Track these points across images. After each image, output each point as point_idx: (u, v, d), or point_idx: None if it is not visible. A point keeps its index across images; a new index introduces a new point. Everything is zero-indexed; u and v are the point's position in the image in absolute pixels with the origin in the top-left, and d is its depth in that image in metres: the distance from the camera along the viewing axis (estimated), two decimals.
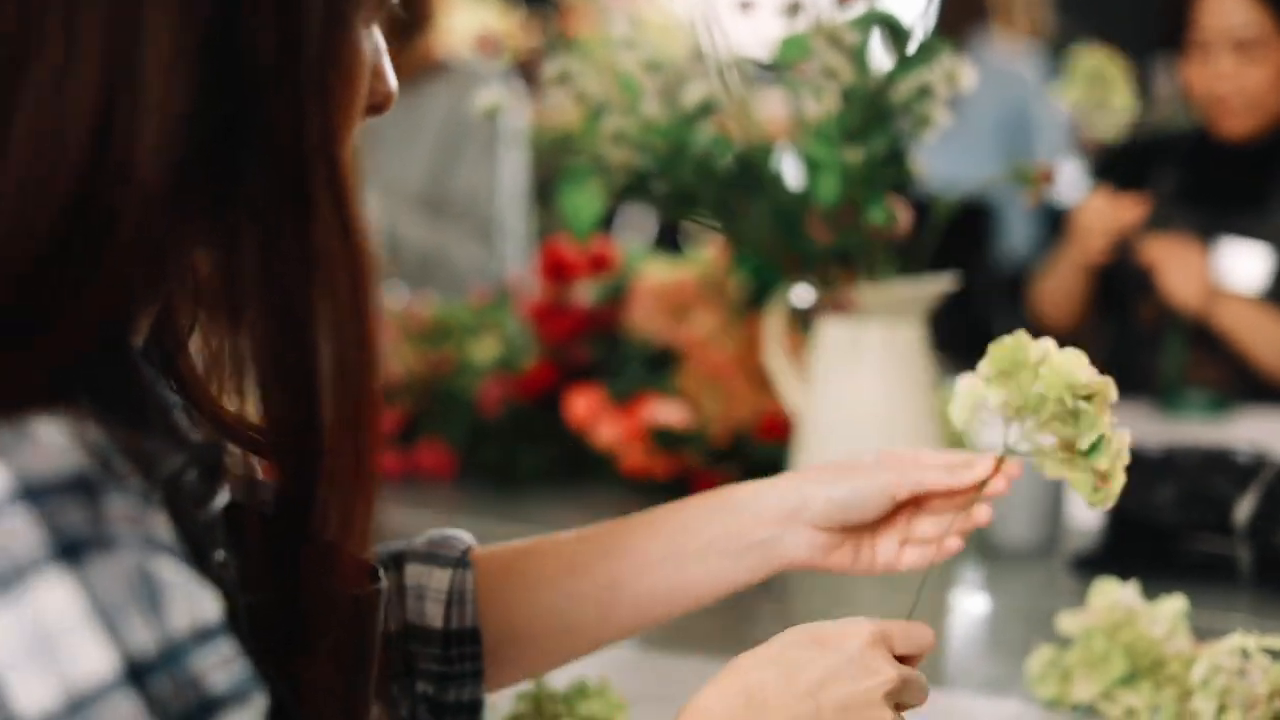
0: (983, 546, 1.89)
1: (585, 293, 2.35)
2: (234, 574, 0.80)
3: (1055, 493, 1.86)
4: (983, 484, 1.12)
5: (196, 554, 0.73)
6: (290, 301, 0.80)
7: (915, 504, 1.15)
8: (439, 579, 1.12)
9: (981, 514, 1.15)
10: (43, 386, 0.70)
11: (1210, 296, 2.51)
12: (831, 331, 1.85)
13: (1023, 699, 1.44)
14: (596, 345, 2.27)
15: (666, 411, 2.11)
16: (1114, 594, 1.42)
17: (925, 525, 1.15)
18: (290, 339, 0.81)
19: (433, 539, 1.16)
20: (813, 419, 1.87)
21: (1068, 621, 1.43)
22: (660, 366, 2.20)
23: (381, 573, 0.97)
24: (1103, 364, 2.71)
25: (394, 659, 1.12)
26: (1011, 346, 1.07)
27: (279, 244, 0.79)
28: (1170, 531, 1.75)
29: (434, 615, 1.12)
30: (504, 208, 3.08)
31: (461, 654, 1.13)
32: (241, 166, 0.78)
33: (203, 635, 0.70)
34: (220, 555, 0.78)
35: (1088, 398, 1.03)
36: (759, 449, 2.04)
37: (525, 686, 1.30)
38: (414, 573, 1.13)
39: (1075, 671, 1.41)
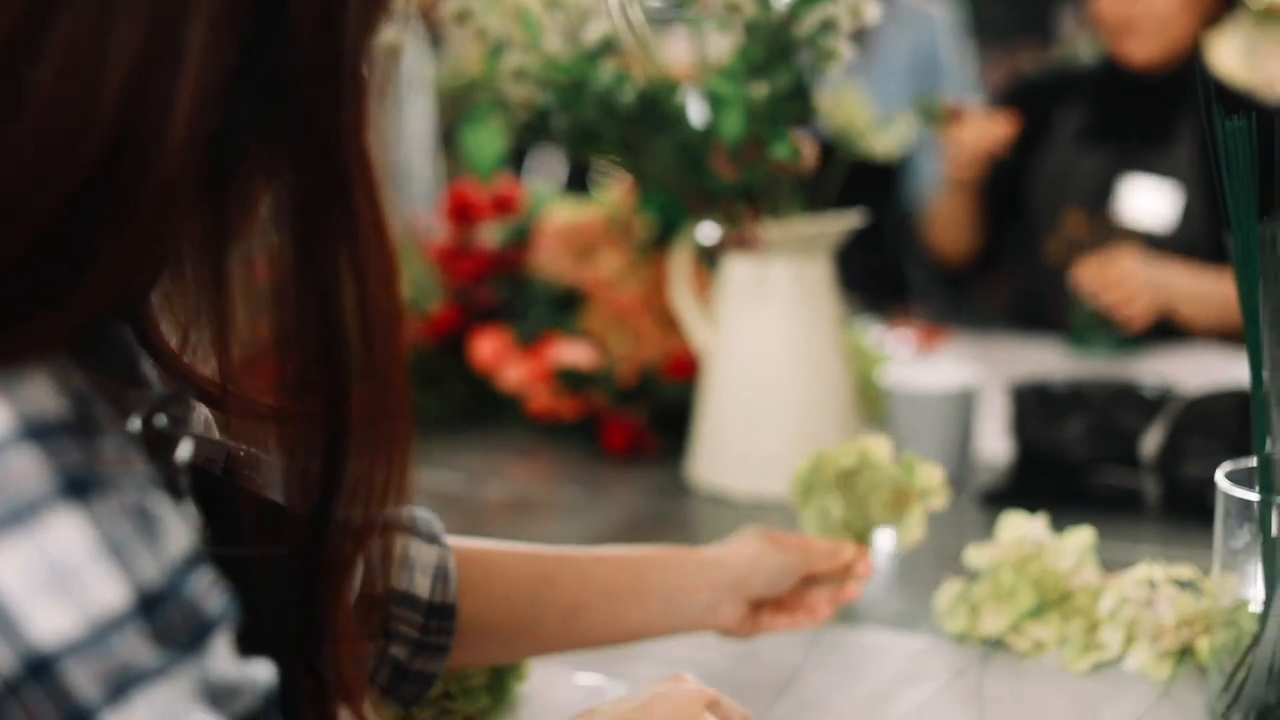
0: None
1: (490, 235, 2.32)
2: (201, 522, 0.79)
3: (963, 429, 1.86)
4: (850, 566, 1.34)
5: (170, 494, 0.74)
6: (321, 268, 0.79)
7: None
8: (426, 553, 1.15)
9: (854, 591, 1.35)
10: (59, 342, 0.70)
11: (1166, 300, 2.45)
12: (737, 269, 1.83)
13: (932, 634, 1.44)
14: (502, 287, 2.24)
15: (573, 352, 2.09)
16: (1021, 527, 1.41)
17: (808, 597, 1.34)
18: (321, 304, 0.79)
19: (410, 514, 1.18)
20: (719, 357, 1.86)
21: (975, 555, 1.42)
22: (566, 308, 2.18)
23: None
24: (1013, 303, 2.70)
25: (376, 620, 1.13)
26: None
27: (314, 211, 0.78)
28: (1078, 465, 1.75)
29: (422, 585, 1.15)
30: (409, 154, 3.04)
31: (439, 627, 1.16)
32: (273, 135, 0.77)
33: (192, 562, 0.71)
34: (186, 506, 0.77)
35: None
36: (666, 388, 2.02)
37: None
38: (400, 541, 1.15)
39: (983, 605, 1.40)
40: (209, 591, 0.72)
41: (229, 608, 0.73)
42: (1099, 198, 2.71)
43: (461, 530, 1.77)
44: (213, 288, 0.80)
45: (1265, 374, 1.20)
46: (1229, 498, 1.23)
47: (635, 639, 1.28)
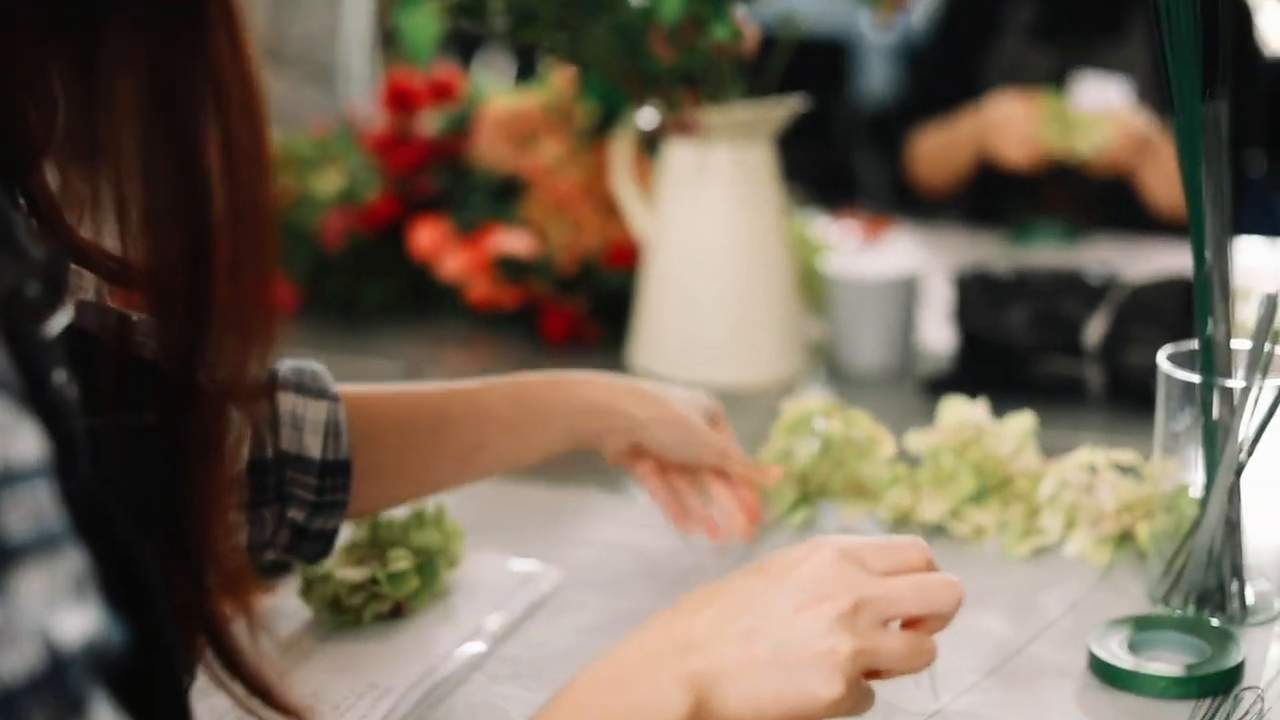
0: (835, 371, 1.87)
1: (429, 123, 2.28)
2: (75, 397, 0.71)
3: (905, 317, 1.84)
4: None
5: (31, 375, 0.65)
6: (180, 124, 0.74)
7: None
8: (315, 410, 1.13)
9: (739, 524, 1.33)
10: None
11: (1138, 150, 2.41)
12: (677, 155, 1.80)
13: (870, 520, 1.42)
14: (441, 176, 2.20)
15: (512, 241, 2.05)
16: (962, 412, 1.39)
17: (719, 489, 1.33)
18: (180, 165, 0.74)
19: (298, 370, 1.15)
20: (660, 245, 1.83)
21: (915, 440, 1.40)
22: (506, 196, 2.14)
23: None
24: (963, 199, 2.67)
25: (268, 484, 1.12)
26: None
27: (169, 59, 0.73)
28: (1021, 353, 1.73)
29: (312, 445, 1.13)
30: (347, 52, 2.98)
31: (334, 485, 1.14)
32: None
33: (7, 478, 0.60)
34: (60, 376, 0.69)
35: None
36: (606, 277, 1.99)
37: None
38: (288, 401, 1.13)
39: (923, 490, 1.39)
40: (22, 513, 0.60)
41: (55, 542, 0.61)
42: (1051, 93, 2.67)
43: None
44: (90, 144, 0.75)
45: (1207, 254, 1.19)
46: (1170, 380, 1.22)
47: (528, 466, 1.29)
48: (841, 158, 3.45)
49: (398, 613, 1.25)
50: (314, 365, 1.17)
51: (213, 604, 0.80)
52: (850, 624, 0.84)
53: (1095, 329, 1.70)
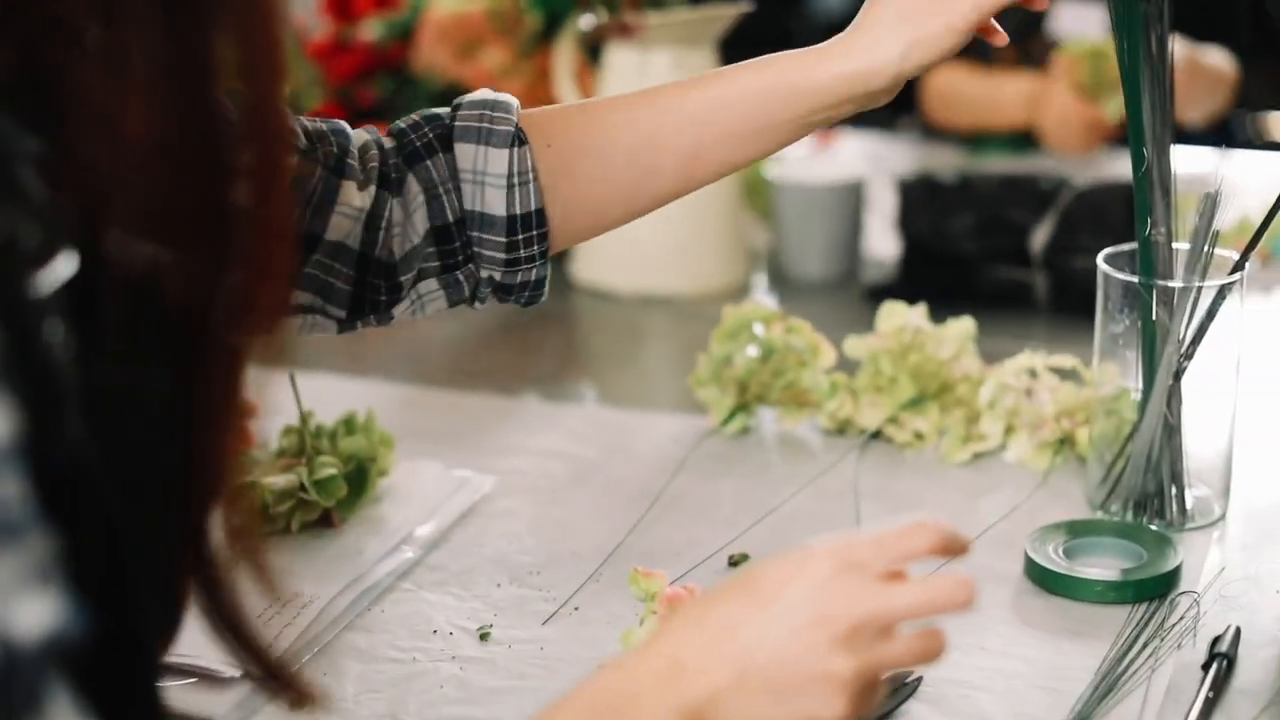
0: (778, 277, 1.85)
1: (371, 31, 2.23)
2: (70, 352, 0.64)
3: (851, 223, 1.81)
4: None
5: (18, 331, 0.60)
6: (190, 49, 0.67)
7: None
8: (496, 161, 1.07)
9: None
10: None
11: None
12: (618, 60, 1.77)
13: (810, 427, 1.40)
14: (384, 85, 2.16)
15: None
16: (901, 316, 1.37)
17: None
18: (193, 93, 0.67)
19: (479, 112, 1.09)
20: None
21: (853, 345, 1.38)
22: (448, 104, 2.10)
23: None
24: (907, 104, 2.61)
25: (455, 248, 1.09)
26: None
27: None
28: (967, 260, 1.71)
29: (495, 201, 1.08)
30: None
31: (527, 238, 1.09)
32: None
33: None
34: (54, 330, 0.63)
35: None
36: None
37: (291, 421, 1.24)
38: (467, 155, 1.08)
39: (862, 397, 1.37)
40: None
41: (16, 528, 0.57)
42: (1026, 27, 2.59)
43: (336, 349, 1.72)
44: (113, 66, 0.68)
45: (1146, 150, 1.16)
46: (1109, 281, 1.20)
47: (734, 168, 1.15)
48: None
49: (328, 521, 1.22)
50: (497, 97, 1.10)
51: (213, 568, 0.73)
52: (849, 644, 0.77)
53: (1041, 235, 1.68)
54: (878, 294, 1.69)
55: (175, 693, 0.99)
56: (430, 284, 1.11)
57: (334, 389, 1.45)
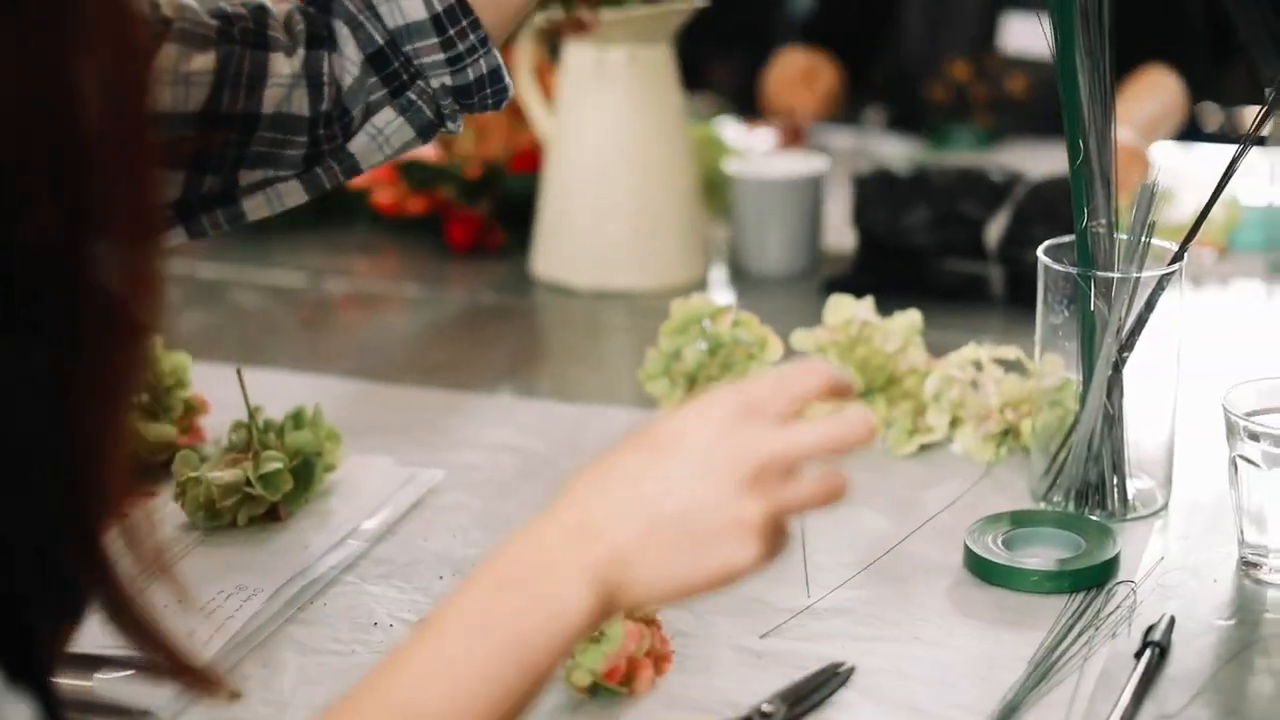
0: (737, 272, 1.85)
1: None
2: None
3: (808, 217, 1.82)
4: None
5: None
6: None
7: None
8: None
9: None
10: None
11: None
12: (576, 56, 1.77)
13: None
14: None
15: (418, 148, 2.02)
16: (849, 309, 1.38)
17: None
18: (41, 53, 0.64)
19: None
20: (560, 148, 1.81)
21: (801, 337, 1.39)
22: None
23: None
24: (879, 99, 2.62)
25: (394, 70, 1.10)
26: None
27: None
28: (921, 253, 1.72)
29: (413, 9, 1.10)
30: None
31: (460, 30, 1.11)
32: None
33: None
34: None
35: None
36: (511, 182, 1.97)
37: (239, 417, 1.24)
38: None
39: None
40: None
41: None
42: (981, 39, 2.59)
43: (303, 325, 1.73)
44: None
45: (1090, 144, 1.17)
46: (1049, 272, 1.21)
47: None
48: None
49: (274, 516, 1.23)
50: None
51: (106, 559, 0.73)
52: (756, 487, 0.76)
53: (996, 229, 1.69)
54: (834, 288, 1.70)
55: (113, 685, 1.00)
56: (387, 114, 1.12)
57: (288, 385, 1.45)
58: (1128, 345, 1.19)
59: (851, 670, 1.02)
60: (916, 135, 2.43)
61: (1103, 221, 1.19)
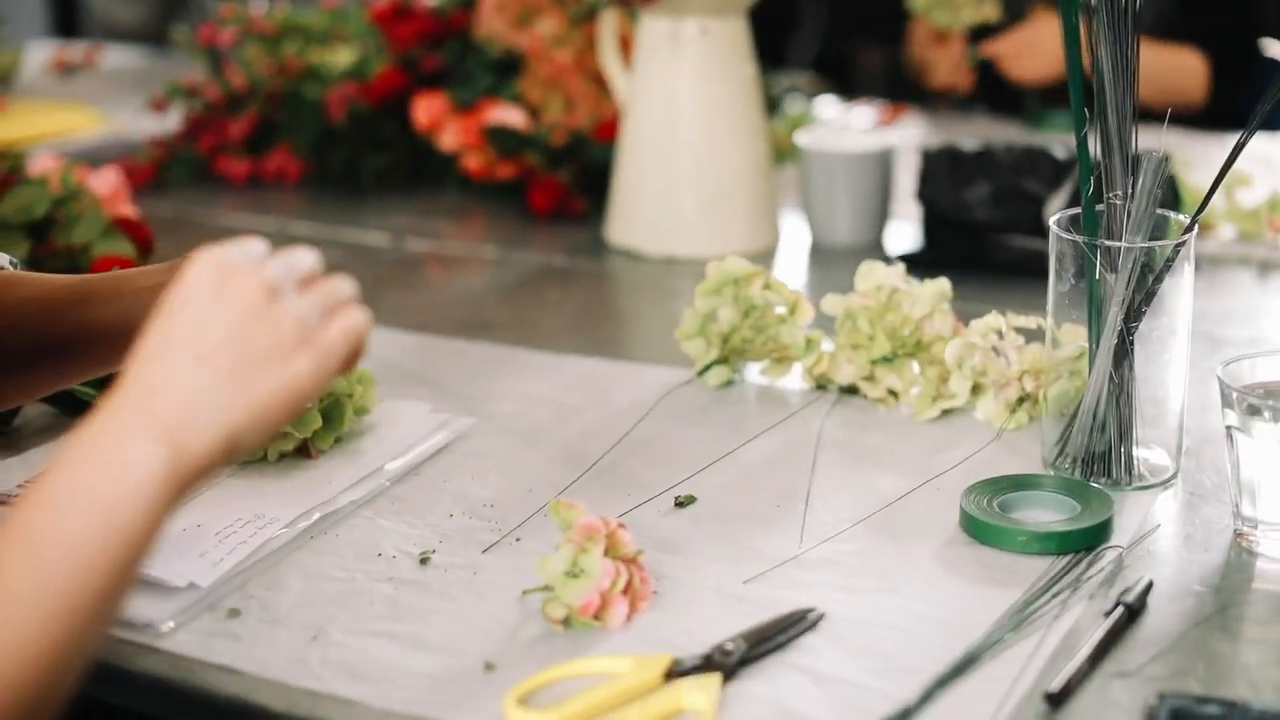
0: (814, 245, 1.88)
1: None
2: None
3: (877, 190, 1.84)
4: None
5: None
6: None
7: None
8: None
9: None
10: None
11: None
12: (651, 26, 1.81)
13: (793, 382, 1.44)
14: (449, 51, 2.23)
15: (506, 115, 2.08)
16: (880, 276, 1.40)
17: None
18: None
19: None
20: (634, 117, 1.85)
21: (831, 302, 1.41)
22: (509, 72, 2.16)
23: None
24: (976, 85, 2.63)
25: None
26: None
27: None
28: (984, 228, 1.73)
29: None
30: None
31: None
32: None
33: None
34: None
35: None
36: (595, 150, 2.01)
37: None
38: None
39: (839, 353, 1.40)
40: None
41: None
42: None
43: (377, 281, 1.79)
44: None
45: (1105, 116, 1.18)
46: (1059, 241, 1.22)
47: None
48: (854, 45, 3.38)
49: (306, 453, 1.28)
50: None
51: None
52: (271, 301, 0.87)
53: (1056, 205, 1.69)
54: (901, 262, 1.72)
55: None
56: None
57: None
58: (1135, 316, 1.20)
59: (821, 616, 1.04)
60: (1015, 118, 2.44)
61: (1119, 193, 1.21)
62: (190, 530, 1.16)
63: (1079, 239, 1.20)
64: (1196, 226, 1.20)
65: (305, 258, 0.92)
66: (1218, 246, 1.84)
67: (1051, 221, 1.23)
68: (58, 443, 0.84)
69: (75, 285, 1.18)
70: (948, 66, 2.49)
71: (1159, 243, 1.18)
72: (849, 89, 2.61)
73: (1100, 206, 1.20)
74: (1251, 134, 1.16)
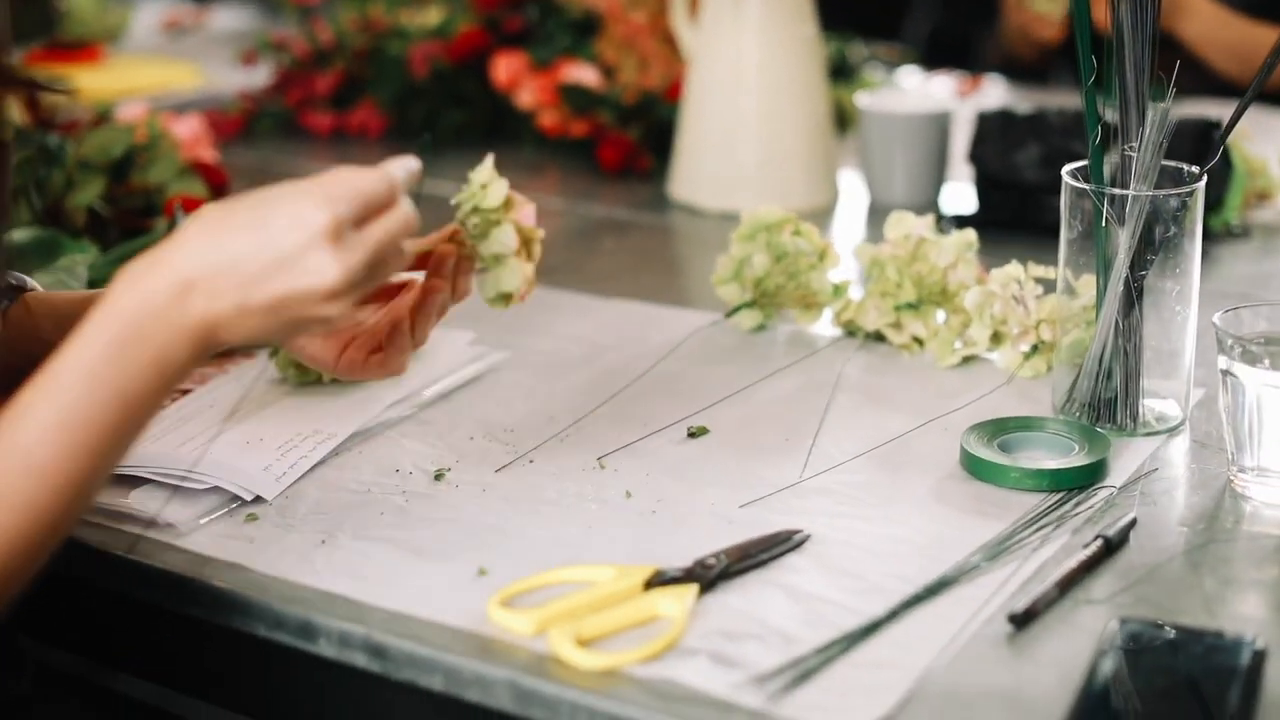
0: (871, 205, 1.91)
1: None
2: None
3: (934, 152, 1.87)
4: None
5: None
6: None
7: None
8: None
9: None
10: None
11: (1173, 4, 2.41)
12: None
13: (824, 327, 1.48)
14: (530, 11, 2.28)
15: (580, 74, 2.13)
16: (908, 225, 1.43)
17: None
18: None
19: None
20: (698, 75, 1.89)
21: (862, 249, 1.45)
22: (587, 33, 2.22)
23: None
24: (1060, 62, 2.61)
25: None
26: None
27: None
28: (1033, 189, 1.75)
29: None
30: None
31: None
32: None
33: None
34: None
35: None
36: (665, 108, 2.06)
37: None
38: None
39: (868, 300, 1.44)
40: None
41: None
42: None
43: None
44: None
45: (1122, 69, 1.21)
46: (1069, 190, 1.25)
47: None
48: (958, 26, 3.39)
49: None
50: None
51: None
52: (333, 209, 0.92)
53: (1107, 168, 1.70)
54: (953, 222, 1.76)
55: (146, 500, 1.13)
56: None
57: None
58: (1142, 264, 1.22)
59: (806, 538, 1.08)
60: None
61: (1134, 144, 1.23)
62: (253, 443, 1.22)
63: (1088, 187, 1.22)
64: (1206, 177, 1.22)
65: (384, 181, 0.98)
66: (1275, 215, 1.85)
67: (1065, 171, 1.26)
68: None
69: (95, 297, 1.23)
70: (1039, 23, 2.50)
71: (1163, 191, 1.21)
72: (962, 66, 2.63)
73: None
74: (1251, 97, 1.19)
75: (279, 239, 0.91)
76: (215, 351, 0.94)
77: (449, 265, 1.13)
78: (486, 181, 1.13)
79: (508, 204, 1.13)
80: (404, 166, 1.01)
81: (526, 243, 1.16)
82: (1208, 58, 2.41)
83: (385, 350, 1.16)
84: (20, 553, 0.87)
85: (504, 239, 1.14)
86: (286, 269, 0.91)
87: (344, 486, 1.18)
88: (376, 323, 1.17)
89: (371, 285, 0.96)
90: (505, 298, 1.17)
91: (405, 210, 0.98)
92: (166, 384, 0.91)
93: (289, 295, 0.92)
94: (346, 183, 0.95)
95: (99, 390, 0.88)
